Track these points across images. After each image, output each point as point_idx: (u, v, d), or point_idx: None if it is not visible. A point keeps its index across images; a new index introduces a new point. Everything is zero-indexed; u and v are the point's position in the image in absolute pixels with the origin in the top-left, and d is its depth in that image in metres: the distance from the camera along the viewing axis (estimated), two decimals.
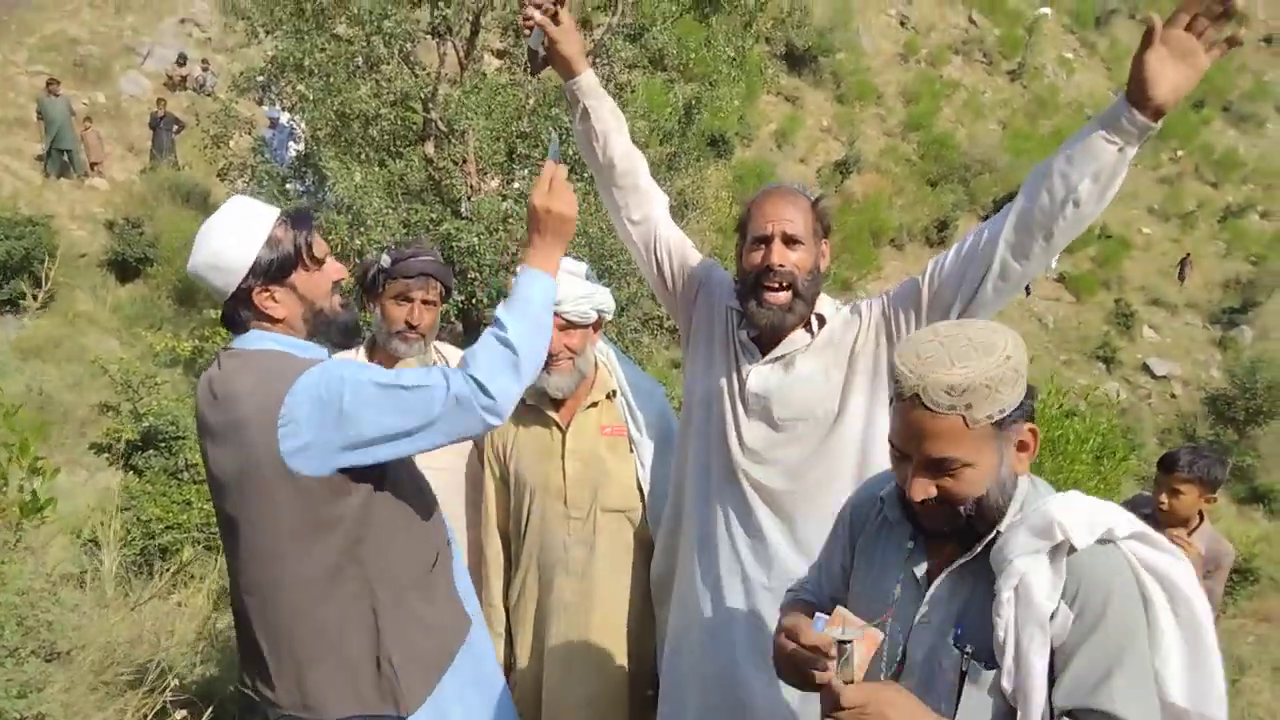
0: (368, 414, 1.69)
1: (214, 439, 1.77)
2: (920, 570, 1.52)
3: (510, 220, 10.44)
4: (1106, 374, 23.91)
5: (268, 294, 1.80)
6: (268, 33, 10.30)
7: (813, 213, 2.16)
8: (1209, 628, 1.40)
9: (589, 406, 2.52)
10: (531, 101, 11.88)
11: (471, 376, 1.73)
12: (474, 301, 10.60)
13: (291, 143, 12.81)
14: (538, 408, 2.53)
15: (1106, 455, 7.79)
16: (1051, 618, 1.34)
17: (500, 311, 1.83)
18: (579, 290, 2.43)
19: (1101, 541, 1.37)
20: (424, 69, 11.46)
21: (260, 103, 12.12)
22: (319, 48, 9.92)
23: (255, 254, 1.76)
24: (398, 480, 1.87)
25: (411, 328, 2.55)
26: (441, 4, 10.64)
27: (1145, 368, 24.77)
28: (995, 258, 1.93)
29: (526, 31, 2.20)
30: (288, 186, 11.04)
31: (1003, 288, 1.97)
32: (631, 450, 2.52)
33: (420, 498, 1.95)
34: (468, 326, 11.75)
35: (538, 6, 2.15)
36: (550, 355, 2.37)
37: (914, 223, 26.66)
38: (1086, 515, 1.38)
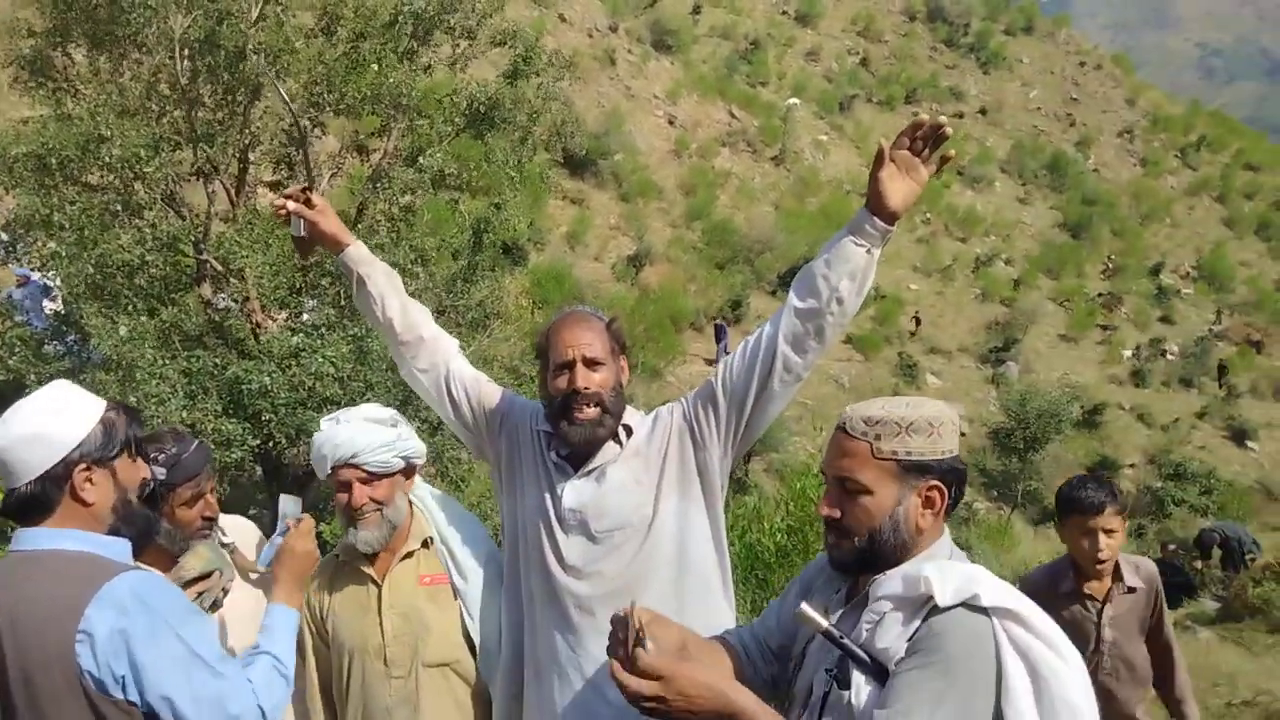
0: (160, 673, 1.60)
1: None
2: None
3: (303, 354, 10.04)
4: None
5: (87, 475, 1.70)
6: (7, 190, 9.57)
7: (608, 333, 2.25)
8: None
9: (404, 557, 2.41)
10: None
11: (260, 707, 1.74)
12: (272, 444, 10.03)
13: (47, 301, 11.84)
14: (351, 564, 2.41)
15: None
16: (897, 662, 1.43)
17: (266, 643, 1.92)
18: (380, 438, 2.36)
19: (971, 608, 1.42)
20: (191, 210, 11.01)
21: (5, 262, 11.17)
22: (69, 200, 9.31)
23: (86, 431, 1.71)
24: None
25: (210, 520, 2.36)
26: (204, 145, 10.32)
27: None
28: (777, 354, 2.11)
29: (284, 221, 2.26)
30: (45, 349, 10.13)
31: (788, 379, 2.14)
32: (456, 598, 2.42)
33: None
34: (267, 470, 11.09)
35: (289, 197, 2.23)
36: (355, 510, 2.30)
37: (709, 305, 27.92)
38: (958, 578, 1.44)
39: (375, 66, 11.43)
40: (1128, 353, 34.17)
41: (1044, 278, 40.07)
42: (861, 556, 1.56)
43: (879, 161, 1.95)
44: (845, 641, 1.50)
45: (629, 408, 2.28)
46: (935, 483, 1.54)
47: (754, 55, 50.40)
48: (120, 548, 1.74)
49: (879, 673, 1.46)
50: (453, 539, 2.47)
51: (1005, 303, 36.31)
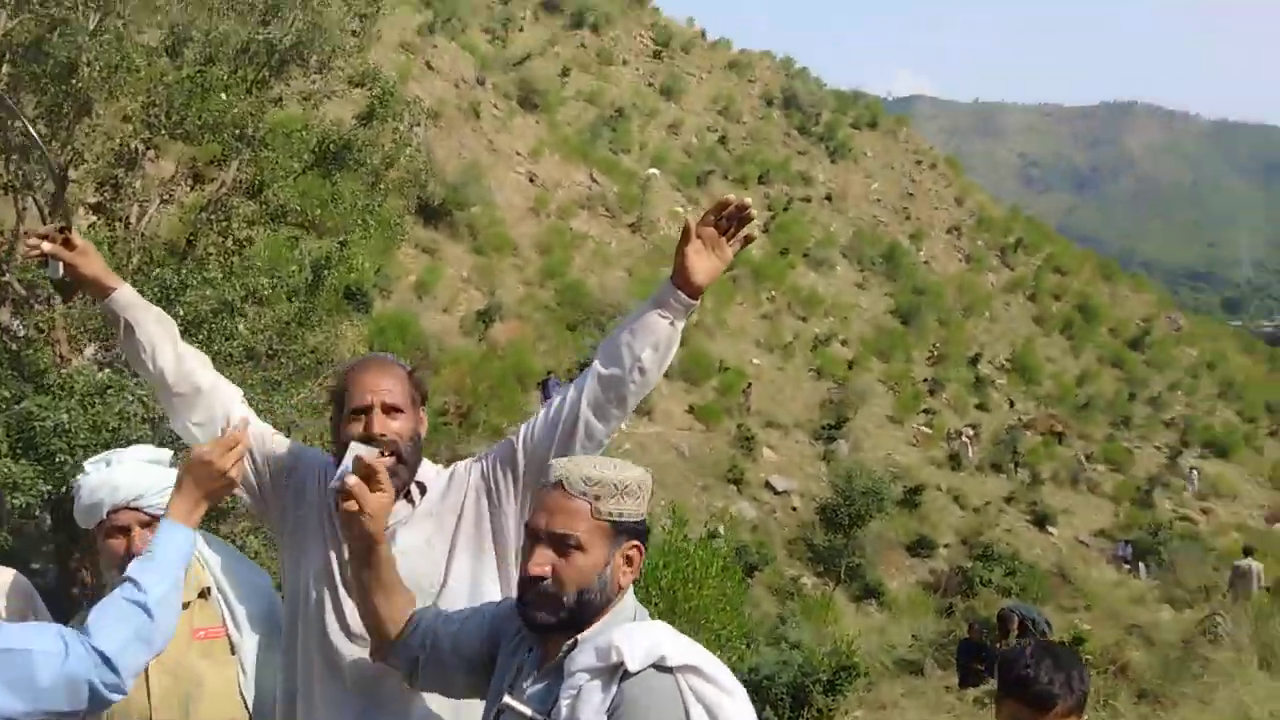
0: None
1: None
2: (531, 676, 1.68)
3: (110, 391, 9.26)
4: (738, 494, 26.19)
5: None
6: None
7: (409, 381, 2.19)
8: None
9: None
10: (135, 259, 10.86)
11: (96, 649, 1.47)
12: (65, 490, 9.13)
13: None
14: None
15: (729, 578, 8.44)
16: None
17: (135, 569, 1.65)
18: (165, 479, 2.18)
19: (659, 669, 1.50)
20: None
21: None
22: None
23: None
24: None
25: None
26: (16, 158, 9.51)
27: (768, 485, 27.51)
28: (579, 420, 2.10)
29: (41, 265, 2.09)
30: None
31: (589, 446, 2.11)
32: (233, 653, 2.26)
33: None
34: (57, 519, 10.11)
35: (44, 236, 2.03)
36: (125, 560, 2.07)
37: (558, 366, 27.84)
38: (646, 642, 1.52)
39: (223, 95, 10.92)
40: (938, 437, 36.39)
41: (875, 360, 42.33)
42: (570, 617, 1.59)
43: (685, 237, 2.01)
44: None
45: (426, 461, 2.21)
46: (636, 543, 1.64)
47: (618, 123, 51.57)
48: None
49: None
50: (230, 589, 2.31)
51: (839, 382, 38.05)
